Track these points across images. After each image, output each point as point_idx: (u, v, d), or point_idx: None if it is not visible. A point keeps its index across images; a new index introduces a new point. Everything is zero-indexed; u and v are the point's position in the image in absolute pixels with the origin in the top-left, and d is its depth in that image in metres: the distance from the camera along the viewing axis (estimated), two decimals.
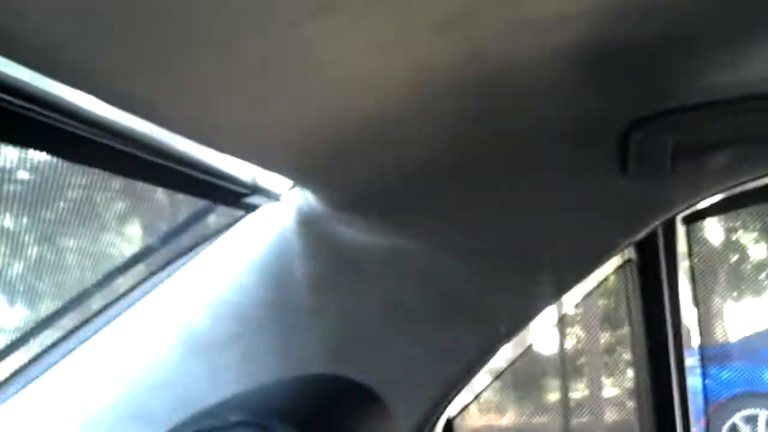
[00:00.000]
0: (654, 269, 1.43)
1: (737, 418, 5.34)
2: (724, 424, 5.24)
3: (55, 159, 0.92)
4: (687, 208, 1.33)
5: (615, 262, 1.46)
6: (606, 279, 1.56)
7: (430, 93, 1.05)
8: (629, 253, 1.44)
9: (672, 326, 1.45)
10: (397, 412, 1.18)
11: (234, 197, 1.19)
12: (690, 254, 1.52)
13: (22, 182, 0.98)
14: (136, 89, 0.86)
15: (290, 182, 1.31)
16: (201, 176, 1.07)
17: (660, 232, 1.38)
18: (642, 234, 1.31)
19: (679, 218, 1.40)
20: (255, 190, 1.19)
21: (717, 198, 1.34)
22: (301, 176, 1.26)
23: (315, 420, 0.87)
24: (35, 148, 0.86)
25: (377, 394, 1.04)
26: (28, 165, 0.94)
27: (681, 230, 1.43)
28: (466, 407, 1.50)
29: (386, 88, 1.01)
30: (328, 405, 0.95)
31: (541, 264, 1.32)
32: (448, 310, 1.35)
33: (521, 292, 1.35)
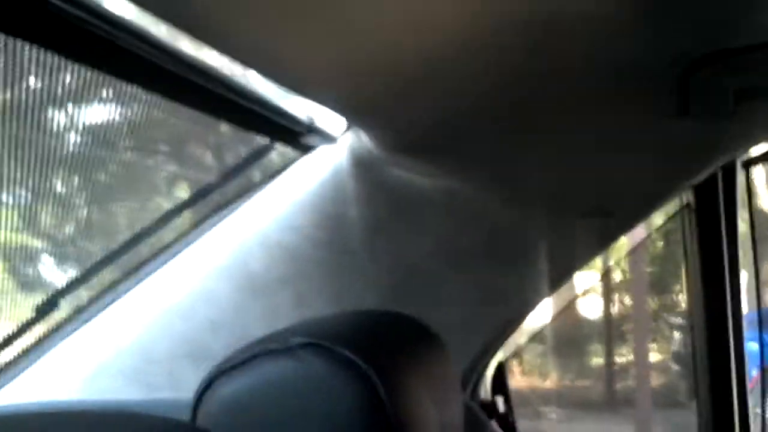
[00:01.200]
0: (712, 214, 1.40)
1: None
2: None
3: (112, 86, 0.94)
4: (748, 151, 1.30)
5: (672, 207, 1.44)
6: (663, 224, 1.54)
7: (486, 32, 1.03)
8: (687, 197, 1.41)
9: (729, 274, 1.42)
10: (450, 351, 1.18)
11: (291, 136, 1.19)
12: (749, 199, 1.49)
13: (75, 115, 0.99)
14: (199, 10, 0.86)
15: (346, 123, 1.32)
16: (260, 111, 1.07)
17: (720, 176, 1.36)
18: (701, 177, 1.28)
19: (739, 162, 1.37)
20: (312, 129, 1.19)
21: None
22: (356, 117, 1.26)
23: (376, 349, 0.88)
24: (96, 66, 0.87)
25: (435, 333, 1.04)
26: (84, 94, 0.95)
27: (741, 174, 1.40)
28: (518, 351, 1.50)
29: (443, 29, 1.00)
30: (388, 337, 0.96)
31: (596, 207, 1.31)
32: (501, 254, 1.35)
33: (575, 235, 1.34)
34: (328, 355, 0.82)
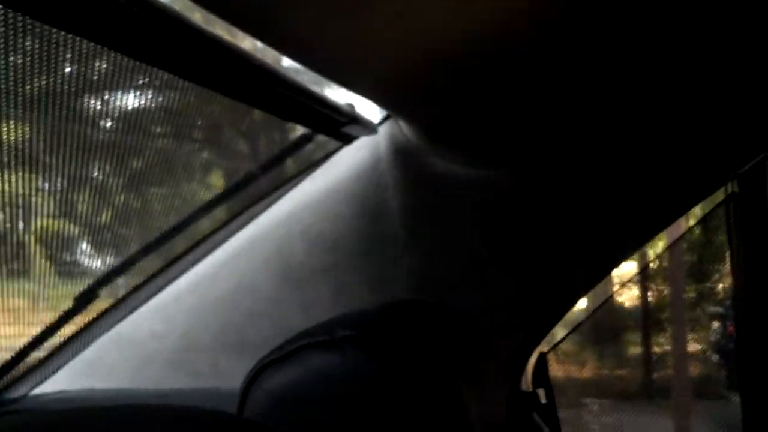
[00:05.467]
0: (759, 204, 1.38)
1: None
2: None
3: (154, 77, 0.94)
4: None
5: (717, 196, 1.42)
6: (708, 213, 1.52)
7: (527, 20, 1.02)
8: (733, 186, 1.39)
9: None
10: (491, 342, 1.18)
11: (333, 126, 1.19)
12: None
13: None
14: (246, 2, 0.86)
15: (386, 113, 1.31)
16: (300, 100, 1.07)
17: None
18: (746, 166, 1.26)
19: None
20: (352, 120, 1.19)
21: None
22: (396, 107, 1.26)
23: (421, 340, 0.88)
24: (141, 60, 0.88)
25: (478, 324, 1.04)
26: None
27: None
28: (560, 342, 1.50)
29: (483, 17, 0.99)
30: (433, 327, 0.96)
31: (640, 195, 1.30)
32: (543, 243, 1.34)
33: (620, 224, 1.33)
34: (374, 348, 0.82)
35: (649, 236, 1.35)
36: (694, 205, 1.32)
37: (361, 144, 1.35)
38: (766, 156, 1.29)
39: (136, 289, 1.40)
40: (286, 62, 1.07)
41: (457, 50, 1.06)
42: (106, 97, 1.03)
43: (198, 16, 0.91)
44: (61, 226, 1.21)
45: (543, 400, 1.43)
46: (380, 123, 1.33)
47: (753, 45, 1.09)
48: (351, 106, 1.19)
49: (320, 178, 1.37)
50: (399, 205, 1.33)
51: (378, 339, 0.82)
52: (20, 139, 0.94)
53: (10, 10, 0.72)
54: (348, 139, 1.29)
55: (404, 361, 0.82)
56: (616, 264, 1.36)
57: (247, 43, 1.00)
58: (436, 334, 0.94)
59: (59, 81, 0.91)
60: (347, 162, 1.35)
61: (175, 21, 0.87)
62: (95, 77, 0.95)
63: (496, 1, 0.93)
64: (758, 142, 1.24)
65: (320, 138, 1.26)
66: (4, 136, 0.92)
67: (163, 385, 1.36)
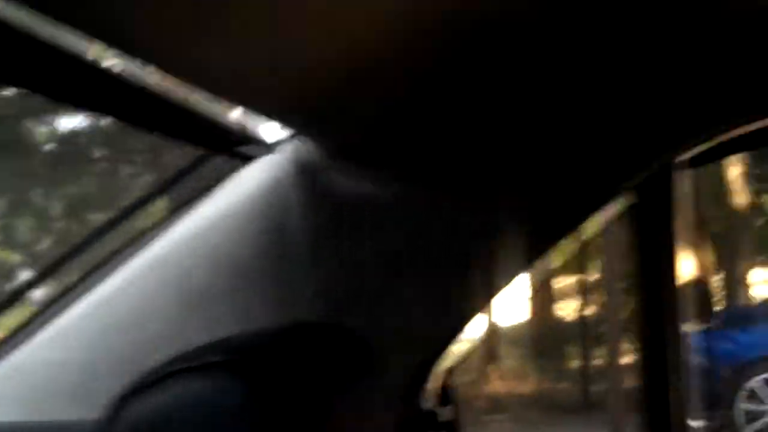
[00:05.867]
0: (655, 215, 1.39)
1: (755, 382, 5.34)
2: (742, 387, 5.25)
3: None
4: (692, 148, 1.29)
5: (617, 208, 1.43)
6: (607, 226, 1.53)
7: (429, 31, 1.01)
8: (631, 198, 1.40)
9: (664, 280, 1.41)
10: (392, 361, 1.17)
11: (230, 146, 1.17)
12: (696, 198, 1.47)
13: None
14: (133, 25, 0.84)
15: (288, 131, 1.30)
16: (197, 123, 1.05)
17: (664, 175, 1.34)
18: (643, 177, 1.28)
19: (683, 160, 1.35)
20: (252, 139, 1.18)
21: (726, 137, 1.29)
22: (299, 124, 1.24)
23: (300, 366, 0.87)
24: (28, 89, 0.85)
25: (366, 343, 1.03)
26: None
27: (687, 173, 1.39)
28: (465, 357, 1.49)
29: (383, 28, 0.98)
30: (317, 352, 0.95)
31: (537, 211, 1.30)
32: (446, 261, 1.34)
33: (516, 241, 1.33)
34: (242, 374, 0.79)
35: (548, 250, 1.36)
36: (589, 216, 1.33)
37: (264, 163, 1.33)
38: (663, 167, 1.30)
39: (30, 318, 1.35)
40: (176, 83, 1.05)
41: (358, 66, 1.05)
42: None
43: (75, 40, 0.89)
44: None
45: (445, 418, 1.42)
46: (281, 141, 1.32)
47: (644, 53, 1.10)
48: (244, 124, 1.17)
49: (223, 198, 1.34)
50: (303, 225, 1.31)
51: (247, 364, 0.80)
52: None
53: None
54: (246, 159, 1.27)
55: (271, 388, 0.79)
56: (511, 280, 1.36)
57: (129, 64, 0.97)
58: (322, 359, 0.92)
59: None
60: (249, 181, 1.33)
61: (57, 50, 0.85)
62: None
63: (405, 13, 0.92)
64: (654, 152, 1.26)
65: (218, 158, 1.24)
66: None
67: (62, 416, 1.31)
